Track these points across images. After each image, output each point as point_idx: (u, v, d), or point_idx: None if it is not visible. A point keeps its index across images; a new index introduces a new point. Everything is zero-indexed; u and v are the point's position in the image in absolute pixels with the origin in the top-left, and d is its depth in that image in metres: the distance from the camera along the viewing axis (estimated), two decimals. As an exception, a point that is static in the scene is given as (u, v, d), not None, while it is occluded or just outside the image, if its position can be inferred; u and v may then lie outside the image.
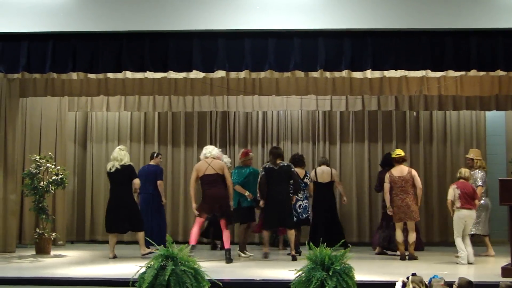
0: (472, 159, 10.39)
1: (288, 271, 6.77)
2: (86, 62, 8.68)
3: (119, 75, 10.01)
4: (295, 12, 8.41)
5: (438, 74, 9.88)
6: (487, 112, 12.32)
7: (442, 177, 12.16)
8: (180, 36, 8.55)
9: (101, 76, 10.03)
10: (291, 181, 9.74)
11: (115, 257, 9.64)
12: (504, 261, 8.41)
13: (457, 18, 8.24)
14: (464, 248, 9.19)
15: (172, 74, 9.73)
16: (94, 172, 12.60)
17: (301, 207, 10.32)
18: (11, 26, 8.64)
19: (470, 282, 5.94)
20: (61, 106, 11.83)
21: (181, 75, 9.86)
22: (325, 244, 6.45)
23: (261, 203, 9.76)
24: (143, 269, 6.30)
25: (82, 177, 12.60)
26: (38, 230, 10.34)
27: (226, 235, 9.40)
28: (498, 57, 8.45)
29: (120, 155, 9.81)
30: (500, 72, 9.34)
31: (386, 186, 9.84)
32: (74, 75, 9.98)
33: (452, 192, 9.38)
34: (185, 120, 12.62)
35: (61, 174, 10.50)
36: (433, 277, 6.20)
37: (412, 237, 9.69)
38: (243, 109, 12.16)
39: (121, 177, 9.78)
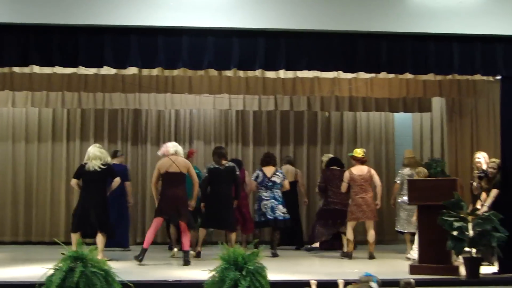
0: (405, 158, 10.74)
1: (201, 271, 6.72)
2: (-11, 55, 8.30)
3: (26, 70, 9.64)
4: (209, 10, 8.33)
5: (350, 75, 10.08)
6: (395, 114, 12.69)
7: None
8: (91, 30, 8.28)
9: (6, 70, 9.62)
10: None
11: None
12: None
13: (369, 21, 8.38)
14: None
15: (82, 70, 9.47)
16: (-1, 170, 12.12)
17: (266, 206, 10.06)
18: None
19: (408, 283, 6.07)
20: (-38, 101, 11.29)
21: (92, 71, 9.62)
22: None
23: (202, 205, 9.60)
24: (51, 271, 6.10)
25: (-15, 176, 12.09)
26: None
27: (186, 237, 9.02)
28: (407, 61, 8.65)
29: (103, 154, 9.15)
30: (408, 75, 9.63)
31: (344, 185, 9.95)
32: (-24, 69, 9.54)
33: None
34: (95, 117, 12.32)
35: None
36: (365, 275, 6.34)
37: (372, 236, 9.81)
38: (155, 107, 11.96)
39: (100, 176, 9.08)
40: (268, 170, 10.18)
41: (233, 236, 9.53)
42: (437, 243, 7.81)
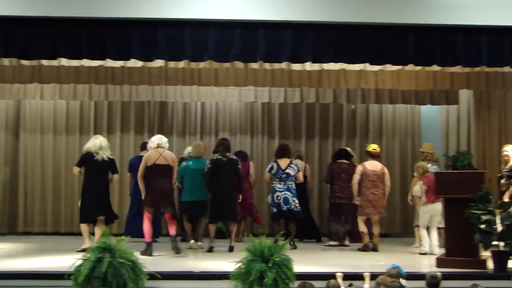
0: (423, 152, 10.63)
1: (227, 263, 6.75)
2: (20, 47, 8.38)
3: (54, 62, 9.72)
4: (236, 3, 8.34)
5: (376, 67, 10.01)
6: (421, 106, 12.59)
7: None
8: (119, 23, 8.35)
9: (35, 62, 9.73)
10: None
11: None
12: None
13: (396, 13, 8.34)
14: (428, 238, 9.36)
15: (109, 63, 9.53)
16: (28, 162, 12.26)
17: (279, 198, 10.04)
18: None
19: (434, 276, 6.05)
20: (-8, 93, 11.44)
21: (119, 63, 9.68)
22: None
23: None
24: (79, 262, 6.17)
25: (15, 167, 12.23)
26: (-33, 222, 9.99)
27: (173, 226, 9.01)
28: (434, 53, 8.59)
29: (107, 146, 9.39)
30: (435, 67, 9.55)
31: (356, 177, 9.94)
32: (6, 61, 9.62)
33: (419, 188, 9.53)
34: (122, 110, 12.41)
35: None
36: (393, 267, 6.32)
37: (377, 229, 9.89)
38: (182, 99, 12.00)
39: (104, 168, 9.29)
40: (283, 162, 10.18)
41: (234, 227, 9.62)
42: (465, 236, 7.73)
